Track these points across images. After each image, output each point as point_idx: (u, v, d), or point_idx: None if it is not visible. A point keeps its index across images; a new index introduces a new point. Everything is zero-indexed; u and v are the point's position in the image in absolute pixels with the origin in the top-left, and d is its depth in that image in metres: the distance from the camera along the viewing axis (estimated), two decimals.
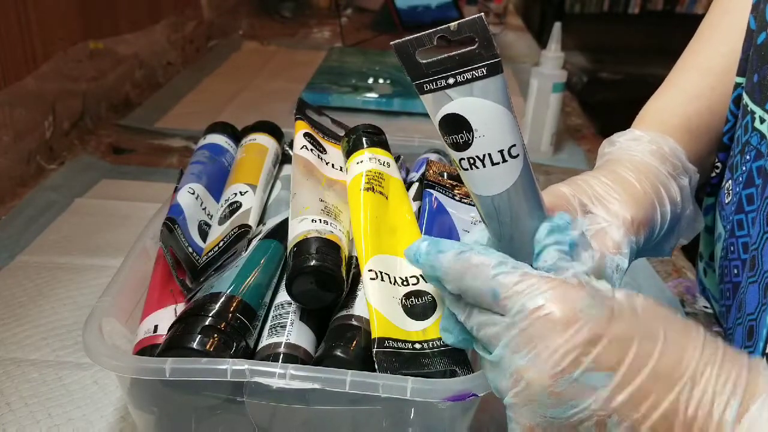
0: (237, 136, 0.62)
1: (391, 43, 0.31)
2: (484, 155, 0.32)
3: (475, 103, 0.31)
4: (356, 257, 0.45)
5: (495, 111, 0.31)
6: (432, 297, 0.43)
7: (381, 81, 1.21)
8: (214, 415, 0.42)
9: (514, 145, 0.32)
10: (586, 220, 0.40)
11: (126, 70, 1.12)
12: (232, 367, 0.37)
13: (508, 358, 0.31)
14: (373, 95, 1.13)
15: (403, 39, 0.30)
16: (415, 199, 0.52)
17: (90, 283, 0.63)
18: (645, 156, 0.46)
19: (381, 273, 0.43)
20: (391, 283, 0.43)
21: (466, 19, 0.29)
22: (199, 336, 0.40)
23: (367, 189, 0.48)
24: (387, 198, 0.49)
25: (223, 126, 0.62)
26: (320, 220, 0.46)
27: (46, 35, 0.86)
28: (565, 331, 0.30)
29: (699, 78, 0.51)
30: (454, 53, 0.30)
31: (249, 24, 1.67)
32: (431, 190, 0.52)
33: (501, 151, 0.32)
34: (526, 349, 0.31)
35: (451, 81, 0.31)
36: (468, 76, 0.30)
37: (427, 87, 0.31)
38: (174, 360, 0.37)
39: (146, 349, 0.43)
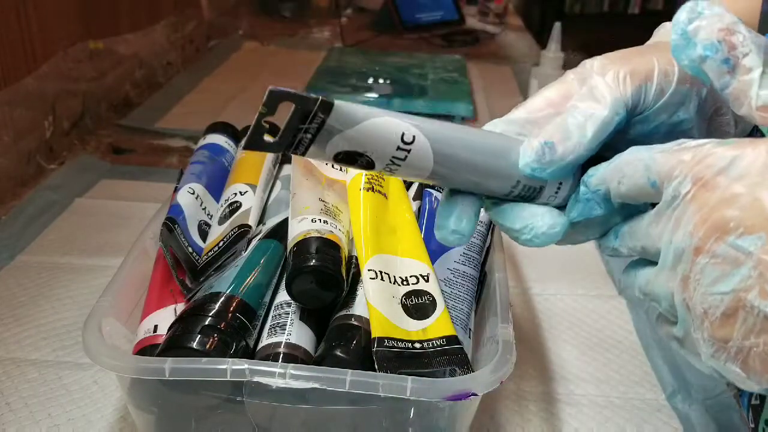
0: (237, 136, 0.62)
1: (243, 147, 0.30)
2: (390, 160, 0.31)
3: (340, 140, 0.30)
4: (356, 257, 0.45)
5: (362, 132, 0.30)
6: (432, 296, 0.43)
7: (381, 81, 1.21)
8: (214, 414, 0.42)
9: (404, 134, 0.31)
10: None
11: (126, 70, 1.11)
12: (231, 366, 0.37)
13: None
14: (373, 95, 1.13)
15: (248, 137, 0.30)
16: (415, 198, 0.52)
17: (90, 283, 0.63)
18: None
19: (381, 272, 0.43)
20: (390, 282, 0.43)
21: (266, 99, 0.28)
22: (199, 336, 0.40)
23: (367, 188, 0.48)
24: (387, 198, 0.49)
25: (223, 126, 0.62)
26: (320, 219, 0.46)
27: (46, 35, 0.86)
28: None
29: None
30: (287, 122, 0.29)
31: (249, 24, 1.67)
32: (431, 190, 0.52)
33: (399, 148, 0.31)
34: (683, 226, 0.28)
35: (308, 137, 0.30)
36: (314, 127, 0.29)
37: (300, 151, 0.30)
38: (174, 360, 0.37)
39: (146, 349, 0.43)
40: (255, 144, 0.29)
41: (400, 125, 0.31)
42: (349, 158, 0.31)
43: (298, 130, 0.29)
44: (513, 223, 0.33)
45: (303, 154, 0.31)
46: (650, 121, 0.35)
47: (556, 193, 0.34)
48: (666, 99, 0.34)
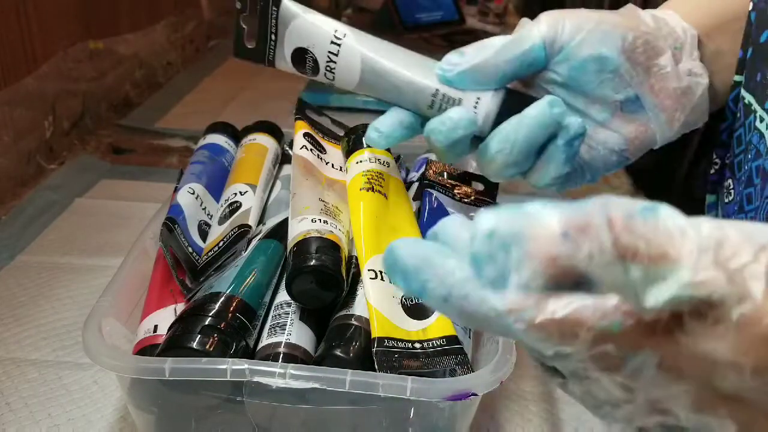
0: (237, 136, 0.62)
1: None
2: (328, 56, 0.38)
3: (291, 33, 0.38)
4: (356, 257, 0.45)
5: (306, 22, 0.38)
6: None
7: None
8: (214, 414, 0.42)
9: (336, 29, 0.38)
10: None
11: (126, 70, 1.11)
12: (231, 366, 0.37)
13: None
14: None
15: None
16: (414, 198, 0.52)
17: (90, 283, 0.63)
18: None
19: (381, 272, 0.43)
20: (391, 282, 0.43)
21: None
22: (199, 336, 0.40)
23: (367, 189, 0.48)
24: (387, 198, 0.49)
25: (223, 126, 0.62)
26: (320, 219, 0.46)
27: (46, 35, 0.86)
28: None
29: None
30: (258, 23, 0.39)
31: None
32: (431, 190, 0.52)
33: (333, 42, 0.38)
34: None
35: (273, 37, 0.38)
36: (274, 23, 0.38)
37: (270, 54, 0.39)
38: (174, 360, 0.37)
39: (146, 349, 0.43)
40: (240, 50, 0.38)
41: (334, 22, 0.39)
42: (300, 58, 0.38)
43: (266, 28, 0.38)
44: (433, 123, 0.38)
45: (273, 58, 0.39)
46: (574, 57, 0.38)
47: (475, 107, 0.38)
48: (584, 35, 0.37)
